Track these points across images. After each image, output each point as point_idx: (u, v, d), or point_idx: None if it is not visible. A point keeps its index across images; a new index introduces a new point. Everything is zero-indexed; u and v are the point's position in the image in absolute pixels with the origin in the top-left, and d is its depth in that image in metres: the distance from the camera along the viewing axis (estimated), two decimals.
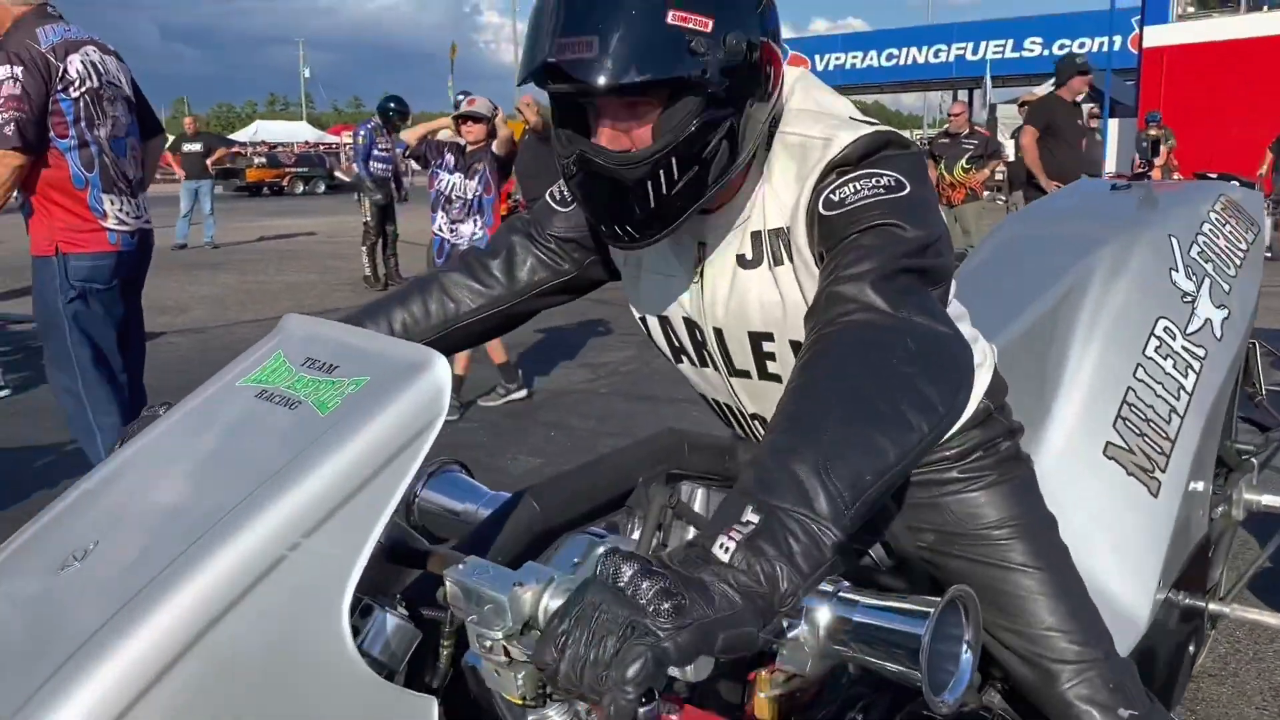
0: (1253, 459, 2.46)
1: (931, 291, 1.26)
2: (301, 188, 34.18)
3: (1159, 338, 2.14)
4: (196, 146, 16.01)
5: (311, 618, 0.96)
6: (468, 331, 1.61)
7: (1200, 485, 2.14)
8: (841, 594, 1.22)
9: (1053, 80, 8.10)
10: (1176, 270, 2.24)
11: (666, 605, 0.88)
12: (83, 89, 4.00)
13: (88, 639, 0.89)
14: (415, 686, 1.10)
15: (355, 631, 1.04)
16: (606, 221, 1.34)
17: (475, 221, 6.29)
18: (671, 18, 1.19)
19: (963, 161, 11.36)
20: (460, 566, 1.06)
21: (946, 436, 1.63)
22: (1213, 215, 2.44)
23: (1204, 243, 2.35)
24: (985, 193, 12.08)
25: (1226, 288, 2.32)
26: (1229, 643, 2.98)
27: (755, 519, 0.97)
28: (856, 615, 1.20)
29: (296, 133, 58.84)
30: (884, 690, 1.60)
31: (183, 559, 0.93)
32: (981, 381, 1.67)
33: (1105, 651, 1.63)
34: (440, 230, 6.32)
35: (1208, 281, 2.29)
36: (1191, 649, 2.23)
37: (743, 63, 1.25)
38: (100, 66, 4.08)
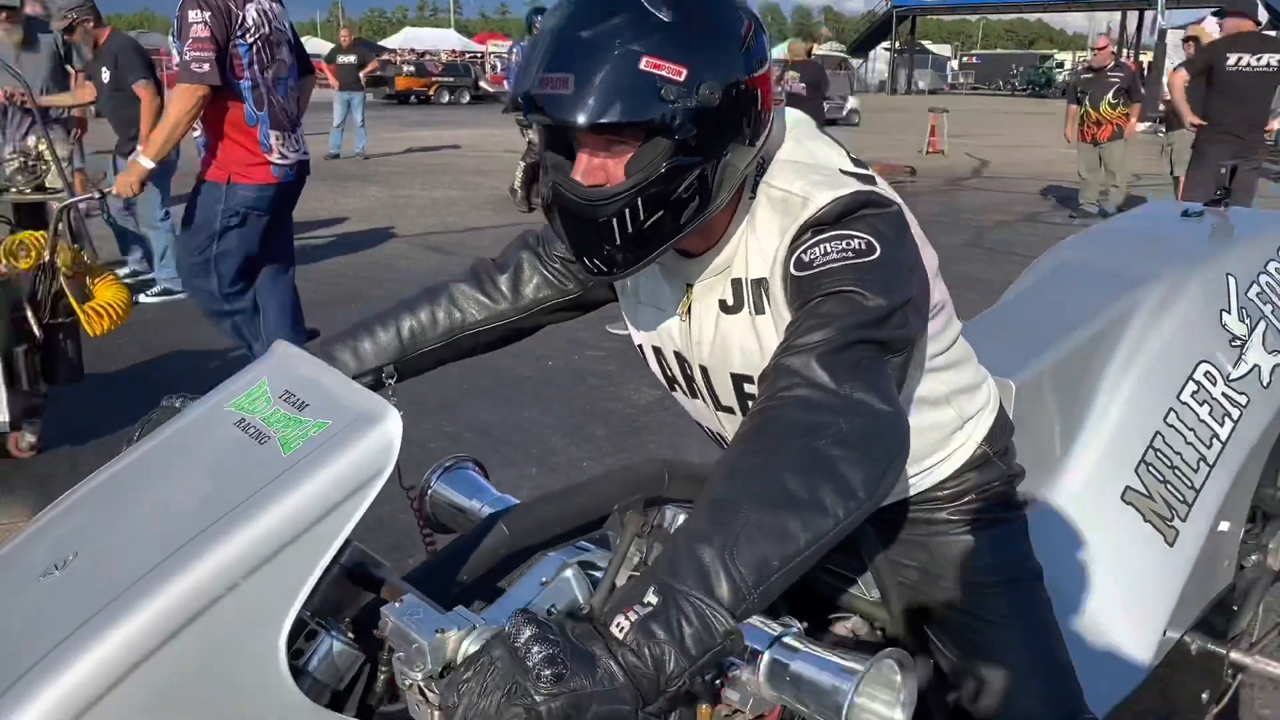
0: None
1: (890, 360, 1.28)
2: (447, 97, 34.67)
3: (1197, 382, 2.09)
4: (351, 58, 16.40)
5: (250, 647, 1.05)
6: (474, 341, 1.67)
7: (1226, 533, 2.10)
8: (784, 639, 1.28)
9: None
10: (1229, 312, 2.18)
11: (548, 672, 0.96)
12: (257, 35, 4.60)
13: (46, 652, 1.00)
14: (363, 707, 1.19)
15: (299, 654, 1.14)
16: (578, 252, 1.38)
17: None
18: (645, 64, 1.22)
19: (1109, 97, 10.98)
20: (397, 604, 1.14)
21: (940, 479, 1.66)
22: None
23: (1266, 283, 2.27)
24: (1140, 127, 11.62)
25: None
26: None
27: (654, 600, 1.03)
28: (793, 662, 1.25)
29: (444, 40, 60.08)
30: None
31: (141, 583, 1.03)
32: (982, 425, 1.68)
33: (1069, 712, 1.64)
34: None
35: (1263, 325, 2.22)
36: (1205, 696, 2.21)
37: (717, 111, 1.27)
38: (270, 13, 4.67)
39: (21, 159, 5.65)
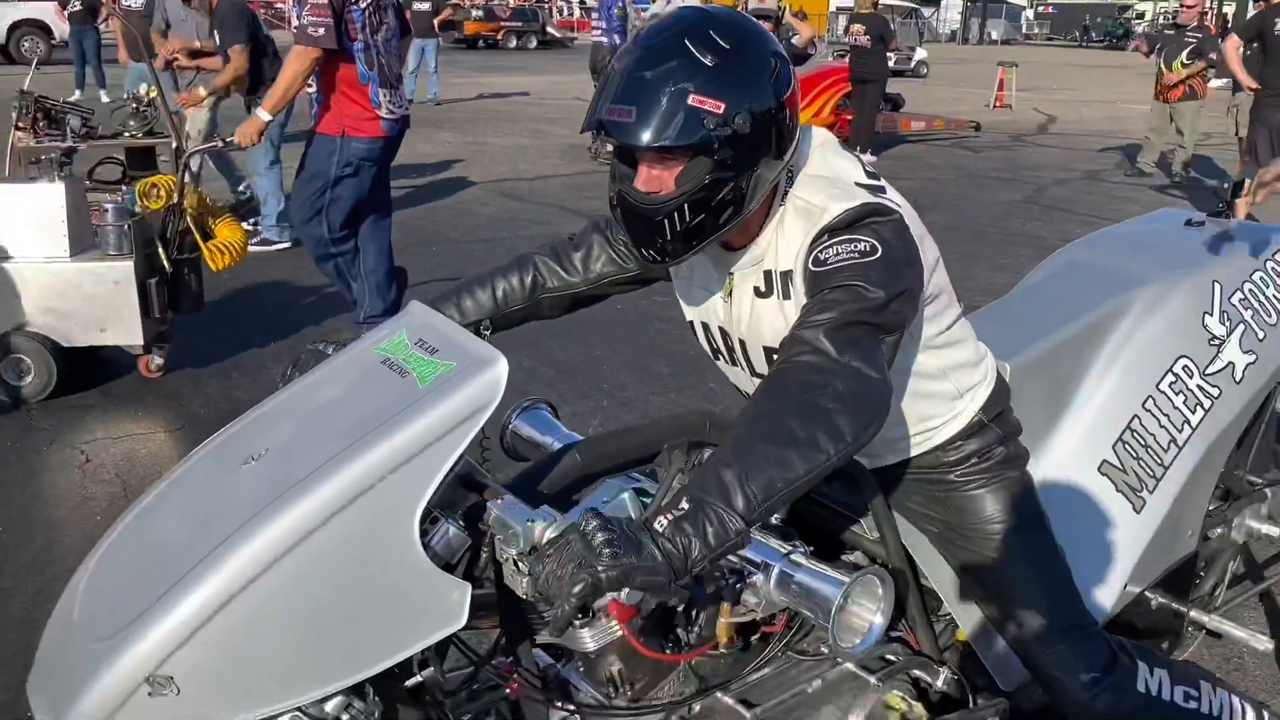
0: (1265, 490, 2.71)
1: (884, 339, 1.64)
2: (514, 42, 34.70)
3: (1176, 374, 2.41)
4: (425, 6, 16.67)
5: (392, 525, 1.45)
6: (552, 304, 2.05)
7: (1190, 508, 2.43)
8: (792, 556, 1.67)
9: None
10: (1210, 314, 2.49)
11: (608, 551, 1.36)
12: (369, 1, 5.05)
13: (245, 522, 1.41)
14: (468, 576, 1.60)
15: (424, 534, 1.55)
16: (637, 243, 1.76)
17: None
18: (691, 100, 1.59)
19: (1183, 56, 10.84)
20: (499, 501, 1.55)
21: (942, 443, 2.02)
22: (1270, 265, 2.65)
23: (1249, 290, 2.57)
24: (1217, 84, 11.46)
25: (1261, 335, 2.55)
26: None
27: (686, 507, 1.43)
28: (797, 574, 1.64)
29: None
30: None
31: (314, 474, 1.44)
32: (978, 398, 2.03)
33: (1074, 625, 2.02)
34: None
35: (1241, 328, 2.53)
36: (1165, 645, 2.55)
37: (749, 136, 1.63)
38: None
39: (134, 105, 6.10)
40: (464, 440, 1.50)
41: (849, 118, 12.71)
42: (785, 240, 1.77)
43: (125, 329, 4.90)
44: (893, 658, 2.11)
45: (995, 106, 18.48)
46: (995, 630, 2.11)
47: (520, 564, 1.49)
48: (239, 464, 1.54)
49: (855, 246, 1.66)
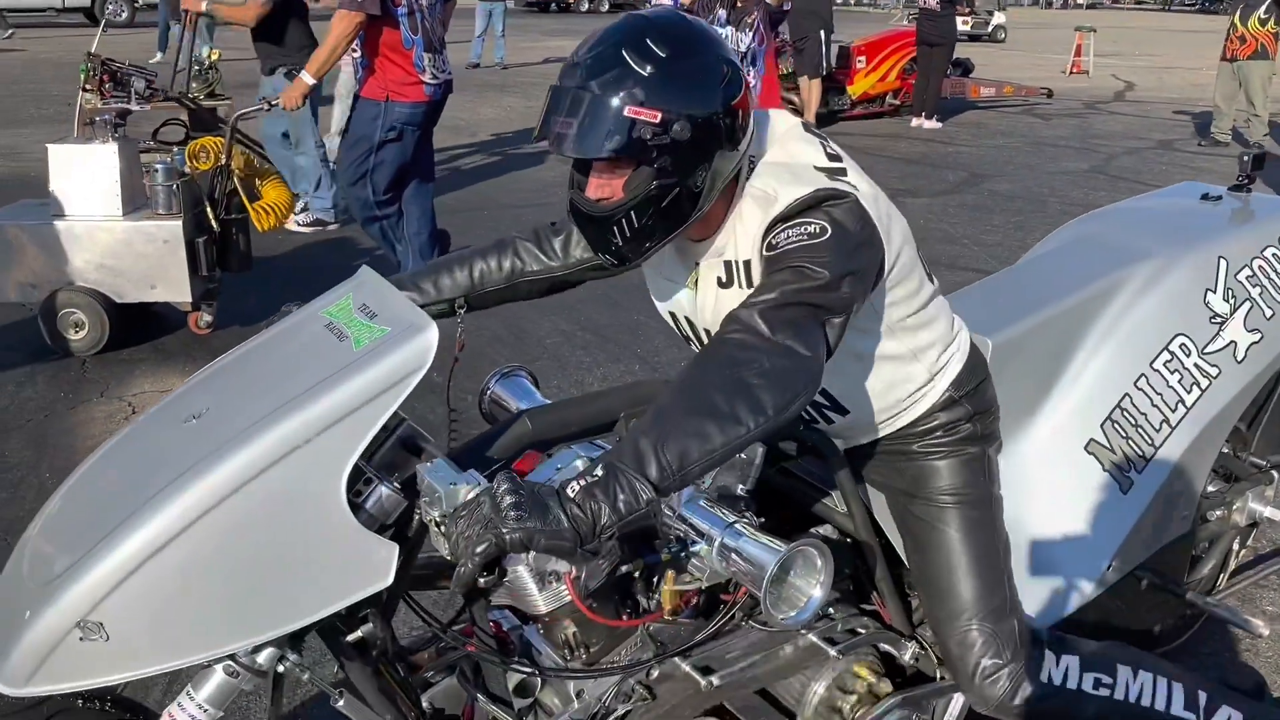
0: (1273, 473, 2.61)
1: (829, 319, 1.62)
2: (586, 5, 34.12)
3: (1171, 353, 2.34)
4: None
5: (319, 483, 1.48)
6: (530, 287, 2.06)
7: (1183, 489, 2.36)
8: (735, 525, 1.66)
9: None
10: (1214, 291, 2.41)
11: (513, 513, 1.38)
12: None
13: (177, 477, 1.45)
14: (402, 537, 1.61)
15: (358, 495, 1.57)
16: (594, 247, 1.78)
17: (749, 72, 6.51)
18: (627, 111, 1.60)
19: (1260, 11, 10.32)
20: (429, 464, 1.56)
21: (911, 420, 2.01)
22: None
23: (1259, 267, 2.48)
24: None
25: (1269, 313, 2.46)
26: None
27: (600, 473, 1.44)
28: (737, 542, 1.64)
29: None
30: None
31: (245, 433, 1.47)
32: (948, 372, 2.00)
33: (991, 610, 2.00)
34: None
35: (1247, 305, 2.43)
36: (1158, 629, 2.49)
37: (691, 142, 1.63)
38: None
39: (197, 68, 6.20)
40: (392, 404, 1.52)
41: (915, 83, 12.45)
42: (744, 229, 1.77)
43: (174, 286, 5.02)
44: (862, 630, 2.09)
45: (1071, 73, 17.96)
46: (926, 600, 2.08)
47: (441, 526, 1.51)
48: (181, 421, 1.57)
49: (804, 229, 1.66)
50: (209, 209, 5.18)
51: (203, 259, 5.07)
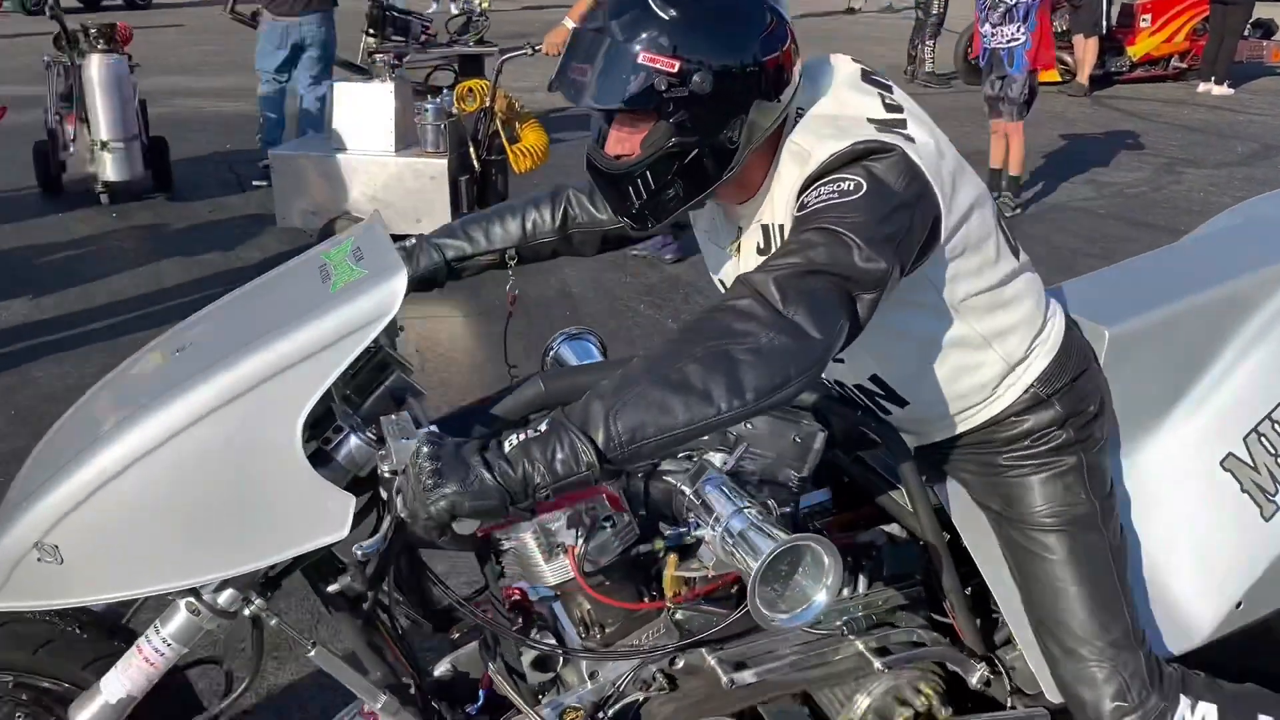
0: None
1: (857, 295, 1.27)
2: None
3: None
4: None
5: (274, 425, 1.27)
6: (581, 239, 1.74)
7: None
8: (746, 510, 1.35)
9: None
10: None
11: (429, 480, 1.16)
12: None
13: (134, 412, 1.29)
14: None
15: (327, 442, 1.38)
16: (612, 208, 1.46)
17: (1017, 27, 5.93)
18: (642, 59, 1.29)
19: None
20: (394, 416, 1.34)
21: (989, 418, 1.60)
22: None
23: None
24: None
25: None
26: None
27: (543, 429, 1.19)
28: (737, 530, 1.33)
29: None
30: None
31: (203, 371, 1.29)
32: (1033, 365, 1.56)
33: (1111, 643, 1.58)
34: (984, 34, 6.09)
35: None
36: None
37: (714, 96, 1.30)
38: None
39: (465, 16, 6.20)
40: (354, 349, 1.29)
41: (1205, 45, 10.72)
42: (781, 190, 1.42)
43: (437, 221, 4.99)
44: (922, 644, 1.71)
45: None
46: (1033, 632, 1.66)
47: (393, 482, 1.30)
48: (172, 351, 1.43)
49: (837, 187, 1.30)
50: (472, 149, 5.17)
51: (464, 196, 5.09)
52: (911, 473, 1.62)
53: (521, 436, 1.19)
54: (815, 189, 1.32)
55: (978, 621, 1.76)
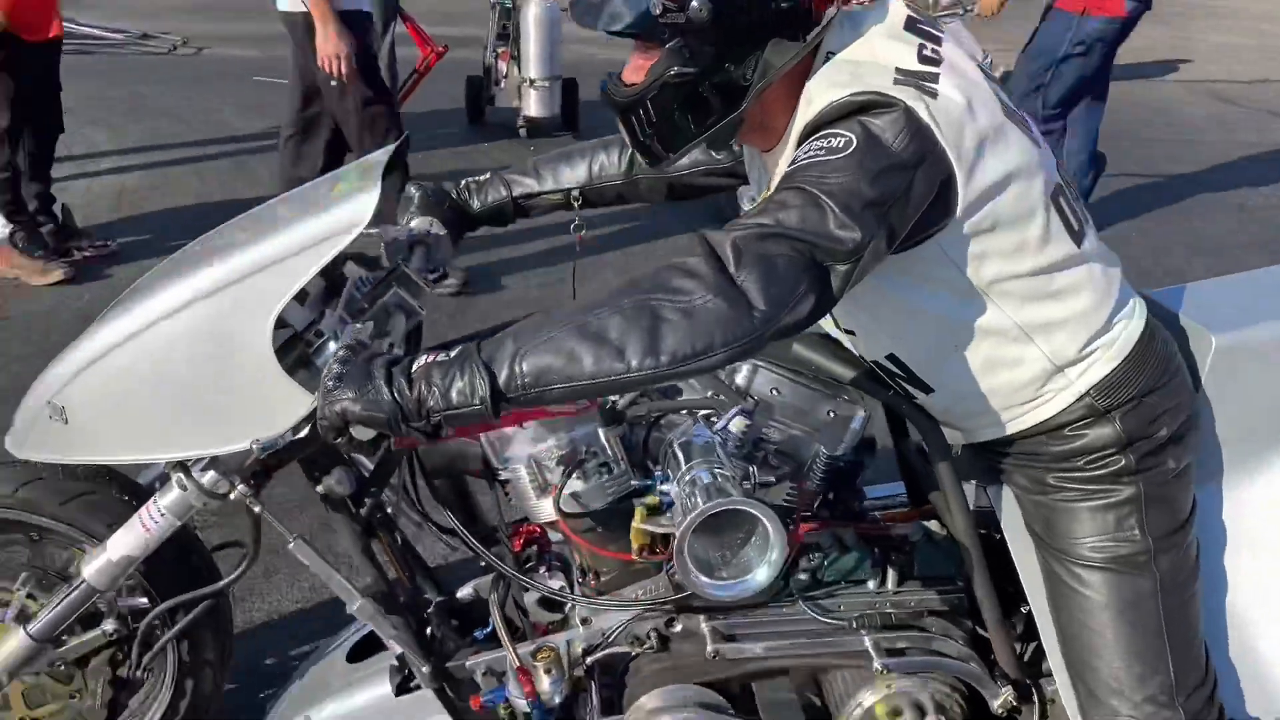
0: None
1: (830, 265, 1.16)
2: None
3: None
4: None
5: (248, 319, 1.33)
6: (647, 186, 1.69)
7: None
8: (714, 468, 1.31)
9: None
10: None
11: (330, 383, 1.18)
12: None
13: (146, 289, 1.40)
14: None
15: (309, 345, 1.41)
16: (626, 136, 1.39)
17: None
18: None
19: None
20: (358, 325, 1.38)
21: (1034, 424, 1.41)
22: None
23: None
24: None
25: None
26: None
27: (451, 355, 1.17)
28: (700, 483, 1.29)
29: None
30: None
31: (210, 259, 1.37)
32: (1091, 370, 1.36)
33: (1148, 698, 1.40)
34: None
35: None
36: None
37: (715, 27, 1.22)
38: None
39: None
40: (321, 257, 1.32)
41: None
42: (794, 137, 1.31)
43: None
44: (942, 654, 1.55)
45: None
46: (1066, 671, 1.47)
47: None
48: (215, 244, 1.49)
49: (827, 143, 1.19)
50: None
51: None
52: (947, 471, 1.47)
53: (431, 358, 1.17)
54: (808, 143, 1.21)
55: (1020, 643, 1.58)
